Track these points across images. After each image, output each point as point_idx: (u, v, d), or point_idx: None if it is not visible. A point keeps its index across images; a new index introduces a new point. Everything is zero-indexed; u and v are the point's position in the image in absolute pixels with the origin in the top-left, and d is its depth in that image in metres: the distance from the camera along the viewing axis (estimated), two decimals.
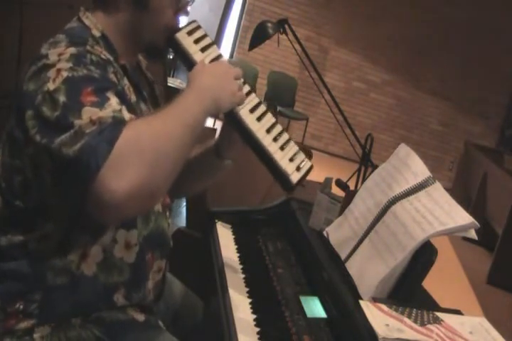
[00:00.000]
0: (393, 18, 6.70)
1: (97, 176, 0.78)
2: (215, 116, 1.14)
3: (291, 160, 1.06)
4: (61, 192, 0.92)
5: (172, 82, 3.82)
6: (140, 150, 0.81)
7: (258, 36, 2.30)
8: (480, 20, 6.59)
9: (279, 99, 6.54)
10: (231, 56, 6.98)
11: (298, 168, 1.06)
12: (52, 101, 0.85)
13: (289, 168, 1.05)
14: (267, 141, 1.05)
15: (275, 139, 1.06)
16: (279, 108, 6.29)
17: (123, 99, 0.92)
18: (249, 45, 2.36)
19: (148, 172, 0.80)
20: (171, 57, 3.95)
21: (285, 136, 1.09)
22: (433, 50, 6.73)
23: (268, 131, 1.07)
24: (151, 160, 0.81)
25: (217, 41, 6.58)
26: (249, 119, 1.04)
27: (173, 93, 3.18)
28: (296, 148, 1.10)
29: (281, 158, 1.05)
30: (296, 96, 6.87)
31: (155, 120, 0.88)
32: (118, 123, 0.83)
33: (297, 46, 2.28)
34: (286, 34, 2.27)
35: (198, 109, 0.92)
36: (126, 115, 0.87)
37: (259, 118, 1.06)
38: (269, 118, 1.09)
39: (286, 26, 2.26)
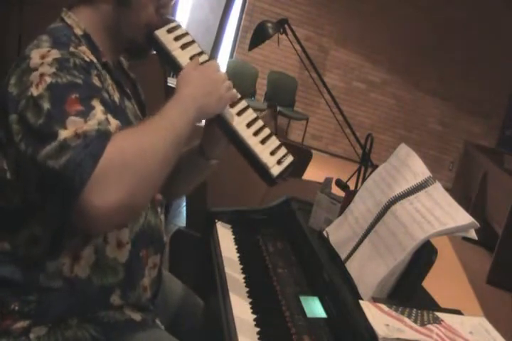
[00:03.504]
0: (393, 18, 6.70)
1: (80, 192, 0.79)
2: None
3: (272, 153, 1.07)
4: (45, 197, 0.91)
5: (172, 82, 3.81)
6: (124, 166, 0.81)
7: (258, 36, 2.31)
8: (480, 20, 6.59)
9: (279, 99, 6.54)
10: (231, 56, 6.99)
11: (279, 162, 1.06)
12: (36, 108, 0.84)
13: (269, 161, 1.05)
14: (246, 134, 1.05)
15: (256, 133, 1.07)
16: (279, 108, 6.29)
17: (108, 105, 0.91)
18: (249, 45, 2.37)
19: (132, 188, 0.81)
20: None
21: (266, 131, 1.10)
22: (433, 50, 6.74)
23: (248, 125, 1.07)
24: (135, 177, 0.82)
25: (217, 41, 6.58)
26: (228, 114, 1.05)
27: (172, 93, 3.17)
28: (277, 142, 1.11)
29: (261, 151, 1.05)
30: (296, 96, 6.87)
31: (139, 134, 0.88)
32: (103, 137, 0.83)
33: (297, 46, 2.29)
34: (286, 34, 2.27)
35: (182, 121, 0.92)
36: (112, 123, 0.86)
37: (239, 113, 1.07)
38: (250, 114, 1.10)
39: (286, 26, 2.27)
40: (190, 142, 1.21)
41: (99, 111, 0.86)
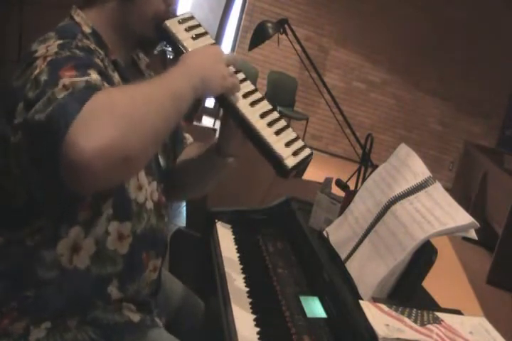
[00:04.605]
0: (393, 18, 6.70)
1: (65, 135, 0.74)
2: (205, 98, 1.08)
3: (287, 145, 1.02)
4: (46, 183, 0.90)
5: None
6: (112, 109, 0.77)
7: (258, 36, 2.30)
8: (480, 20, 6.59)
9: (279, 99, 6.54)
10: None
11: (295, 153, 1.02)
12: (35, 83, 0.85)
13: (283, 152, 1.00)
14: (260, 125, 1.01)
15: (270, 124, 1.03)
16: (279, 108, 6.29)
17: (107, 80, 0.89)
18: (249, 45, 2.36)
19: (119, 132, 0.75)
20: (171, 57, 3.94)
21: (282, 122, 1.06)
22: (433, 50, 6.74)
23: (262, 116, 1.03)
24: (124, 121, 0.76)
25: (217, 41, 6.55)
26: (241, 104, 1.02)
27: None
28: (294, 134, 1.06)
29: (276, 142, 1.01)
30: (296, 96, 6.87)
31: (134, 86, 0.85)
32: (92, 88, 0.81)
33: (297, 46, 2.28)
34: (286, 34, 2.27)
35: (184, 83, 0.89)
36: (106, 86, 0.85)
37: (252, 104, 1.04)
38: (265, 105, 1.06)
39: (286, 26, 2.26)
40: (206, 142, 1.20)
41: (94, 76, 0.85)
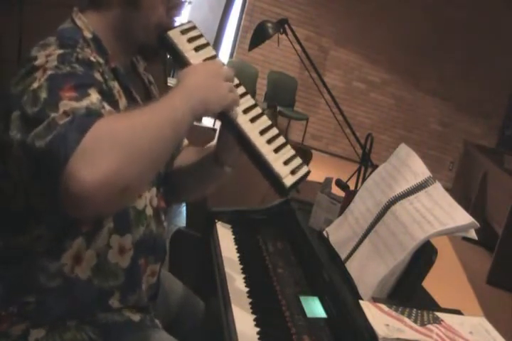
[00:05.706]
0: (393, 18, 6.71)
1: (65, 166, 0.74)
2: (205, 117, 1.07)
3: (285, 163, 1.02)
4: (45, 194, 0.90)
5: (172, 82, 3.81)
6: (112, 139, 0.77)
7: (258, 36, 2.31)
8: (480, 20, 6.60)
9: (279, 99, 6.54)
10: (231, 56, 6.99)
11: (293, 172, 1.02)
12: (34, 99, 0.84)
13: (282, 170, 1.01)
14: (259, 142, 1.01)
15: (269, 141, 1.03)
16: (279, 108, 6.29)
17: (107, 97, 0.90)
18: (249, 45, 2.37)
19: (120, 163, 0.76)
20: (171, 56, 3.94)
21: (281, 140, 1.06)
22: (433, 50, 6.74)
23: (262, 132, 1.03)
24: (124, 151, 0.77)
25: (217, 41, 6.59)
26: (241, 120, 1.01)
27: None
28: (292, 152, 1.07)
29: (275, 161, 1.01)
30: (296, 96, 6.87)
31: (134, 113, 0.85)
32: (92, 114, 0.81)
33: (297, 46, 2.29)
34: (286, 34, 2.27)
35: (183, 107, 0.89)
36: (106, 108, 0.85)
37: (252, 120, 1.03)
38: (264, 121, 1.06)
39: (286, 26, 2.26)
40: (204, 147, 1.20)
41: (94, 98, 0.85)
